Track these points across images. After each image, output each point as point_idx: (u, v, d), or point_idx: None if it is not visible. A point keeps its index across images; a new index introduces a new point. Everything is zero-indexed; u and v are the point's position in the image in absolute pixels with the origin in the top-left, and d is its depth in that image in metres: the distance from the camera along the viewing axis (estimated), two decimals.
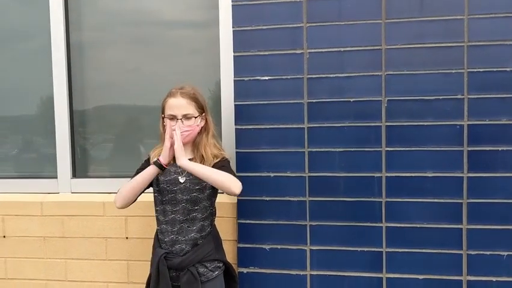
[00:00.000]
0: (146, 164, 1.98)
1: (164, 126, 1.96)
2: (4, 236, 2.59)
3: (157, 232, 1.99)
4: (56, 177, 2.63)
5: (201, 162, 1.93)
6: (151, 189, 2.00)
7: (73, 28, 2.63)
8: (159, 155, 1.91)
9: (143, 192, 1.96)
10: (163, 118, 1.96)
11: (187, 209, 1.92)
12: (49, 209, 2.54)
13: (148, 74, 2.61)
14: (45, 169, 2.71)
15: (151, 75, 2.60)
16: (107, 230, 2.48)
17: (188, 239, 1.91)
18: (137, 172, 1.96)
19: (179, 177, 1.93)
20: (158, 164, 1.87)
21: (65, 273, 2.54)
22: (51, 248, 2.55)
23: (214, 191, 2.00)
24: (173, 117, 1.91)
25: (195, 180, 1.92)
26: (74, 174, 2.66)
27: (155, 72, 2.59)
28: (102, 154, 2.72)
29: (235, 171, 2.17)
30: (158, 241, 1.97)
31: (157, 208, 1.96)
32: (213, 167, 1.91)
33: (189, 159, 1.93)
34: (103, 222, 2.48)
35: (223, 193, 2.32)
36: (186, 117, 1.91)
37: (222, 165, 1.93)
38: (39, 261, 2.57)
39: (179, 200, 1.91)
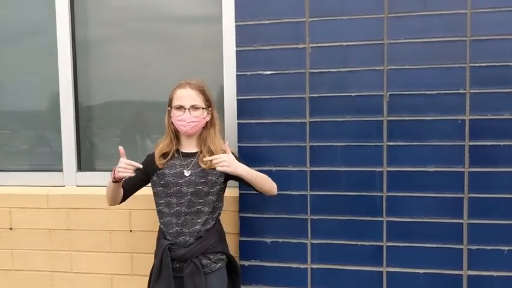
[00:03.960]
0: (147, 159, 2.02)
1: (170, 118, 1.98)
2: (11, 228, 2.64)
3: (160, 225, 2.01)
4: (62, 171, 2.67)
5: (209, 156, 1.93)
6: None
7: (78, 24, 2.66)
8: (162, 149, 1.94)
9: (130, 193, 2.01)
10: (169, 110, 1.99)
11: (192, 201, 1.94)
12: (55, 202, 2.58)
13: (153, 69, 2.63)
14: (52, 162, 2.74)
15: (156, 71, 2.62)
16: (112, 222, 2.52)
17: (192, 231, 1.93)
18: (137, 173, 1.94)
19: (185, 171, 1.96)
20: (114, 180, 1.87)
21: (71, 265, 2.58)
22: (57, 240, 2.59)
23: (223, 186, 2.02)
24: (180, 108, 1.93)
25: (200, 174, 1.95)
26: (80, 168, 2.69)
27: (161, 68, 2.61)
28: (107, 148, 2.74)
29: None
30: (162, 233, 1.99)
31: (161, 201, 1.98)
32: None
33: (195, 153, 1.97)
34: (107, 215, 2.51)
35: (227, 186, 2.37)
36: (194, 107, 1.94)
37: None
38: (45, 253, 2.61)
39: (185, 192, 1.94)
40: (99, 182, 2.60)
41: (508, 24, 2.02)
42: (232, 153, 2.01)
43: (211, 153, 1.95)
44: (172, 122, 1.97)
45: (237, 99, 2.28)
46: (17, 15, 2.75)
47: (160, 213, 1.99)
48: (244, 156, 2.26)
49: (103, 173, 2.63)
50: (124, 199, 2.02)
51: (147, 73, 2.63)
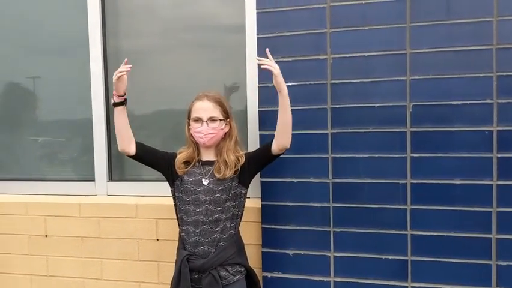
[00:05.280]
0: (174, 155, 2.07)
1: (189, 129, 2.02)
2: (46, 236, 2.75)
3: (180, 232, 2.05)
4: (94, 180, 2.76)
5: (224, 167, 1.98)
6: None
7: (108, 35, 2.77)
8: (184, 158, 2.00)
9: (142, 150, 2.09)
10: (188, 122, 2.03)
11: (210, 210, 1.96)
12: (86, 211, 2.68)
13: (182, 79, 2.69)
14: (85, 172, 2.85)
15: (185, 80, 2.68)
16: (139, 231, 2.58)
17: (211, 240, 1.96)
18: (159, 151, 2.11)
19: (203, 179, 1.99)
20: (115, 104, 2.01)
21: (101, 272, 2.66)
22: (88, 248, 2.68)
23: (242, 192, 2.03)
24: (198, 120, 1.98)
25: (218, 182, 1.98)
26: (111, 178, 2.78)
27: (189, 77, 2.67)
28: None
29: (258, 178, 2.22)
30: (182, 242, 2.03)
31: (182, 208, 2.02)
32: (250, 160, 2.03)
33: (213, 161, 2.00)
34: (135, 224, 2.58)
35: (249, 197, 2.39)
36: (211, 119, 1.97)
37: (251, 153, 2.07)
38: (77, 260, 2.71)
39: (203, 201, 1.97)
40: (129, 192, 2.68)
41: None
42: (246, 152, 2.07)
43: (226, 163, 1.98)
44: (191, 134, 2.01)
45: (259, 111, 2.30)
46: (67, 28, 2.87)
47: (181, 220, 2.03)
48: (267, 168, 2.27)
49: (133, 182, 2.71)
50: (138, 155, 2.08)
51: (178, 83, 2.69)
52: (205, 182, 1.98)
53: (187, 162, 2.03)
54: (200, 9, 2.63)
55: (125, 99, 2.04)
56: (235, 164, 2.00)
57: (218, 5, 2.61)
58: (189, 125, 2.02)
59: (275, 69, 1.91)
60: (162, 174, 2.09)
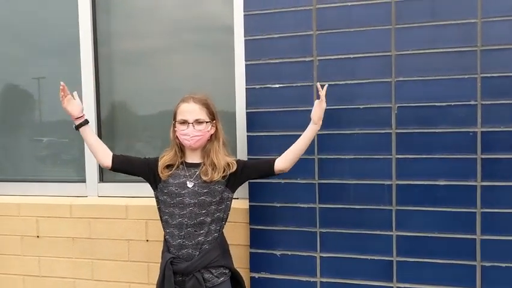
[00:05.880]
0: (155, 160, 2.06)
1: (175, 131, 2.03)
2: (38, 236, 2.77)
3: (165, 235, 2.06)
4: (85, 182, 2.78)
5: (212, 170, 1.98)
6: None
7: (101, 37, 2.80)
8: (166, 161, 2.01)
9: (121, 163, 2.09)
10: (174, 124, 2.03)
11: (195, 212, 1.96)
12: (78, 212, 2.69)
13: (170, 80, 2.71)
14: (76, 174, 2.87)
15: (173, 81, 2.70)
16: (130, 232, 2.60)
17: (195, 243, 1.96)
18: (138, 158, 2.11)
19: (188, 182, 1.99)
20: (76, 127, 2.08)
21: (92, 273, 2.68)
22: (79, 249, 2.70)
23: (228, 196, 2.03)
24: (184, 122, 1.97)
25: (204, 184, 1.97)
26: (101, 179, 2.80)
27: (177, 78, 2.69)
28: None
29: None
30: (166, 245, 2.03)
31: (166, 210, 2.02)
32: (243, 169, 2.02)
33: (199, 164, 2.01)
34: (125, 225, 2.60)
35: (238, 198, 2.40)
36: (197, 122, 1.97)
37: (248, 163, 2.07)
38: (68, 261, 2.73)
39: (187, 203, 1.97)
40: (119, 193, 2.70)
41: None
42: (238, 160, 2.06)
43: (214, 166, 1.98)
44: (177, 136, 2.01)
45: (247, 112, 2.31)
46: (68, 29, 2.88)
47: (165, 223, 2.03)
48: None
49: (123, 184, 2.73)
50: (116, 167, 2.09)
51: (167, 87, 2.71)
52: (189, 184, 1.98)
53: (170, 165, 2.02)
54: (189, 11, 2.65)
55: (85, 119, 2.09)
56: (224, 169, 1.99)
57: (207, 7, 2.63)
58: (174, 127, 2.02)
59: (324, 102, 1.97)
60: (145, 180, 2.09)
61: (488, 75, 1.99)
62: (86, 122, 2.09)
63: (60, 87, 2.05)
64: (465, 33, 2.01)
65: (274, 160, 2.01)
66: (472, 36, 2.01)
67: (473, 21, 2.00)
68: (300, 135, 2.12)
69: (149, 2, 2.73)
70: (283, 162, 1.99)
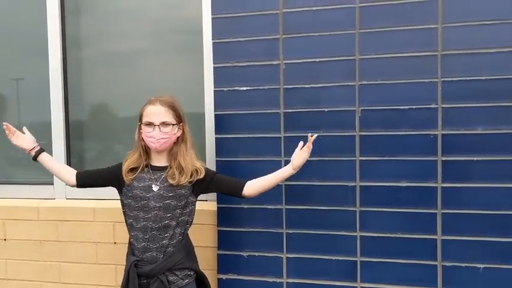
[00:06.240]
0: (119, 165, 2.05)
1: (140, 134, 2.01)
2: (5, 239, 2.74)
3: (130, 238, 2.05)
4: (53, 184, 2.76)
5: (179, 173, 1.97)
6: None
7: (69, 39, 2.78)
8: (130, 165, 2.00)
9: (85, 181, 2.13)
10: (139, 126, 2.02)
11: (160, 216, 1.96)
12: (45, 214, 2.67)
13: (140, 83, 2.70)
14: (44, 176, 2.84)
15: (142, 84, 2.70)
16: (97, 235, 2.59)
17: (159, 246, 1.95)
18: (101, 170, 2.13)
19: (153, 185, 1.98)
20: (34, 158, 2.12)
21: (59, 276, 2.66)
22: (47, 251, 2.67)
23: (193, 200, 2.03)
24: (150, 124, 1.96)
25: (169, 188, 1.97)
26: None
27: (144, 83, 2.69)
28: (96, 162, 2.82)
29: None
30: (131, 248, 2.02)
31: (130, 214, 2.01)
32: (211, 181, 2.04)
33: (165, 167, 2.00)
34: (93, 227, 2.59)
35: (206, 200, 2.41)
36: (164, 124, 1.96)
37: (218, 177, 2.06)
38: (36, 264, 2.70)
39: (152, 207, 1.96)
40: (87, 195, 2.67)
41: (479, 38, 2.01)
42: (208, 168, 2.05)
43: (181, 169, 1.97)
44: (142, 138, 2.00)
45: (215, 115, 2.33)
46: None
47: (130, 226, 2.02)
48: (222, 170, 2.29)
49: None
50: (80, 184, 2.12)
51: (132, 90, 2.71)
52: (155, 188, 1.97)
53: (134, 169, 2.01)
54: (158, 14, 2.66)
55: (40, 148, 2.13)
56: (192, 173, 1.98)
57: (176, 10, 2.63)
58: (140, 128, 2.00)
59: (309, 151, 1.99)
60: (114, 187, 2.09)
61: (448, 79, 2.04)
62: (41, 150, 2.13)
63: (4, 127, 2.10)
64: (426, 38, 2.06)
65: (243, 184, 2.02)
66: (432, 41, 2.06)
67: (434, 26, 2.06)
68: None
69: (118, 4, 2.73)
70: (251, 191, 2.02)
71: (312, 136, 1.98)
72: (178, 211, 1.98)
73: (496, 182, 2.01)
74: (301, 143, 2.01)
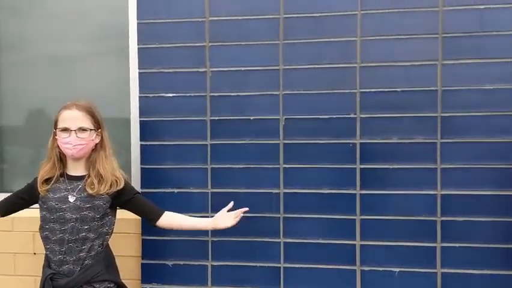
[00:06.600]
0: (34, 180, 1.96)
1: (55, 141, 1.92)
2: None
3: (46, 251, 1.95)
4: None
5: (98, 182, 1.90)
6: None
7: None
8: (44, 175, 1.91)
9: (6, 209, 2.02)
10: (54, 132, 1.92)
11: (77, 228, 1.87)
12: None
13: (67, 90, 2.62)
14: None
15: (70, 91, 2.61)
16: (15, 245, 2.47)
17: (76, 258, 1.87)
18: (19, 191, 2.01)
19: (69, 196, 1.89)
20: None
21: None
22: None
23: (112, 211, 1.97)
24: (66, 130, 1.87)
25: (86, 199, 1.89)
26: None
27: (77, 88, 2.61)
28: (18, 169, 2.70)
29: (139, 188, 2.21)
30: (47, 260, 1.93)
31: (46, 226, 1.91)
32: (130, 200, 1.98)
33: (83, 176, 1.94)
34: (10, 237, 2.47)
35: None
36: (81, 129, 1.88)
37: (138, 197, 2.00)
38: None
39: (68, 219, 1.87)
40: None
41: (395, 52, 2.11)
42: (128, 183, 2.00)
43: (100, 177, 1.91)
44: (58, 145, 1.91)
45: (140, 121, 2.29)
46: None
47: (46, 239, 1.92)
48: (147, 178, 2.27)
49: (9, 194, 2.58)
50: (3, 213, 2.01)
51: (63, 95, 2.62)
52: (71, 199, 1.89)
53: (49, 179, 1.92)
54: (87, 19, 2.59)
55: None
56: (112, 184, 1.91)
57: (105, 15, 2.58)
58: (55, 135, 1.91)
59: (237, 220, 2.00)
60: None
61: (366, 90, 2.13)
62: None
63: None
64: (346, 50, 2.14)
65: (161, 214, 1.99)
66: (352, 54, 2.14)
67: (353, 39, 2.14)
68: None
69: (49, 8, 2.62)
70: (165, 223, 2.00)
71: (242, 209, 2.00)
72: (96, 223, 1.90)
73: (410, 189, 2.12)
74: (231, 204, 2.01)
